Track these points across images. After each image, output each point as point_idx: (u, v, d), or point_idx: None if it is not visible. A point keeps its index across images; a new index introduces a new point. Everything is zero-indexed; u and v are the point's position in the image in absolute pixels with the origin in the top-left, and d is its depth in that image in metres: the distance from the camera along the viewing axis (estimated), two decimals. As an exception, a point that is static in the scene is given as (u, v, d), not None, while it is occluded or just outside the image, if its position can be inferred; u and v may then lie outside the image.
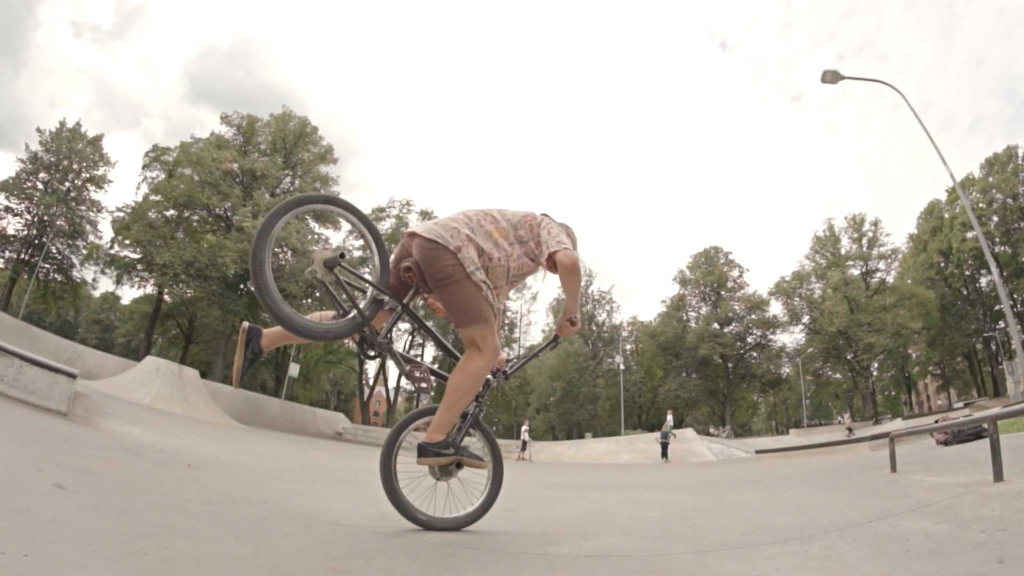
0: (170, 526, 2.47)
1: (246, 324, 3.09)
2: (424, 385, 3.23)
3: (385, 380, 64.71)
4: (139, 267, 49.64)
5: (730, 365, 64.67)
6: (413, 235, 3.18)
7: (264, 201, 49.09)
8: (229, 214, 49.78)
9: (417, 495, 3.24)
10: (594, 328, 70.61)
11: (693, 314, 68.88)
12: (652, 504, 5.21)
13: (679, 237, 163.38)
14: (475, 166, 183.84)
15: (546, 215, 3.63)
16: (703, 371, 64.85)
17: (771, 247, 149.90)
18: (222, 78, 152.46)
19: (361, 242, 3.49)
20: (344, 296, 3.06)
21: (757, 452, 21.82)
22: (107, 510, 2.56)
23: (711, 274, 67.38)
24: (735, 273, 68.28)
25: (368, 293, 3.18)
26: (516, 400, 66.73)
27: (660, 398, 65.18)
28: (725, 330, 65.06)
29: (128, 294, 60.92)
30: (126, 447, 5.75)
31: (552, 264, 3.40)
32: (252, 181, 50.73)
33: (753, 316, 65.53)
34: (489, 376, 3.48)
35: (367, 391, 63.65)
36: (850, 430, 46.49)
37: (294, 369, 45.81)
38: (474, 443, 3.49)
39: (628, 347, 69.36)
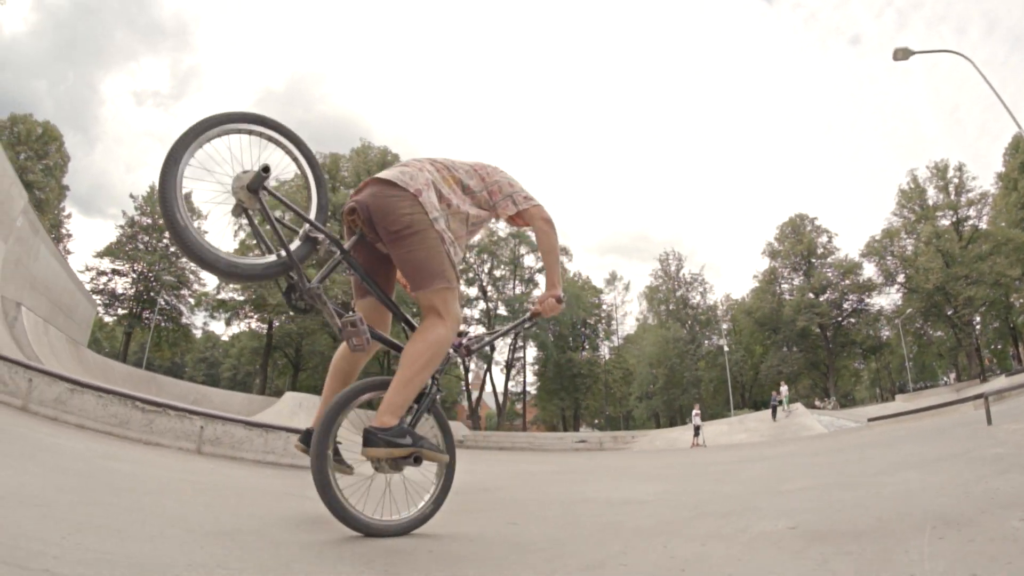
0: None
1: (297, 444, 2.99)
2: (356, 340, 2.79)
3: (493, 384, 67.50)
4: (247, 307, 54.29)
5: (829, 334, 63.29)
6: (371, 182, 2.94)
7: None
8: (330, 249, 52.89)
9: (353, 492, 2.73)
10: (690, 311, 70.89)
11: (786, 286, 67.70)
12: (812, 463, 7.15)
13: (761, 206, 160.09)
14: (538, 151, 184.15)
15: (497, 167, 3.43)
16: (802, 343, 63.88)
17: (855, 206, 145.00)
18: (283, 119, 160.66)
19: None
20: (268, 229, 2.72)
21: (869, 420, 22.65)
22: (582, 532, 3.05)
23: (800, 243, 66.04)
24: (823, 239, 66.71)
25: (302, 231, 2.83)
26: (620, 391, 68.38)
27: (762, 375, 64.69)
28: (820, 299, 63.66)
29: (226, 330, 66.57)
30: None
31: (516, 219, 3.28)
32: (344, 214, 53.94)
33: (847, 281, 63.88)
34: (450, 351, 3.12)
35: (475, 396, 66.67)
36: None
37: (408, 385, 48.93)
38: (425, 428, 3.01)
39: (724, 326, 69.28)
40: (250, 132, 2.78)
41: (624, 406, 71.55)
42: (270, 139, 2.84)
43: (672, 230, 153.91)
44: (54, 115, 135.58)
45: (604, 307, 73.58)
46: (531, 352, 68.91)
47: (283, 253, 2.65)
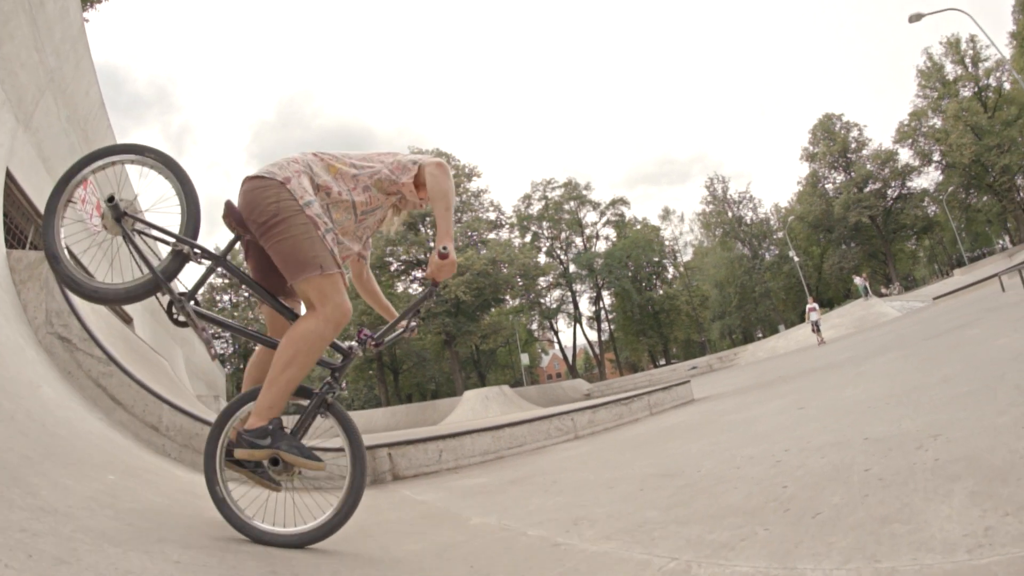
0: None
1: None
2: (210, 349, 2.70)
3: (587, 337, 74.00)
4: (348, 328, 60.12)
5: (879, 223, 65.17)
6: (242, 183, 2.82)
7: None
8: (420, 257, 58.63)
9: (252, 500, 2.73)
10: (745, 228, 74.95)
11: (830, 186, 69.32)
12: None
13: (783, 107, 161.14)
14: (538, 99, 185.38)
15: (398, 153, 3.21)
16: (857, 237, 66.04)
17: (877, 93, 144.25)
18: (284, 143, 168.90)
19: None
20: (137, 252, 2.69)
21: (934, 299, 26.05)
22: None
23: (834, 143, 67.78)
24: (855, 133, 68.39)
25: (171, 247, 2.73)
26: (701, 316, 73.90)
27: (825, 274, 67.86)
28: (865, 191, 65.29)
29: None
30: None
31: (420, 189, 3.05)
32: (420, 220, 59.16)
33: (886, 170, 65.30)
34: (352, 343, 2.97)
35: (568, 355, 73.10)
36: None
37: (525, 358, 55.05)
38: (320, 429, 2.81)
39: (779, 235, 71.59)
40: (122, 162, 2.87)
41: (706, 331, 75.76)
42: (143, 164, 2.86)
43: (695, 146, 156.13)
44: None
45: (666, 242, 78.08)
46: (608, 301, 74.87)
47: (148, 271, 2.67)
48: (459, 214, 61.83)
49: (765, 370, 16.48)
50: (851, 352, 11.96)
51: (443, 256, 2.82)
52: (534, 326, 73.59)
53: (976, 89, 60.43)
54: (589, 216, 75.00)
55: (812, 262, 71.44)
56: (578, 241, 74.70)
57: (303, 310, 2.96)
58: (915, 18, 26.13)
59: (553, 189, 73.50)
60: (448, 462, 6.14)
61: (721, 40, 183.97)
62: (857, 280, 37.57)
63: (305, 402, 2.76)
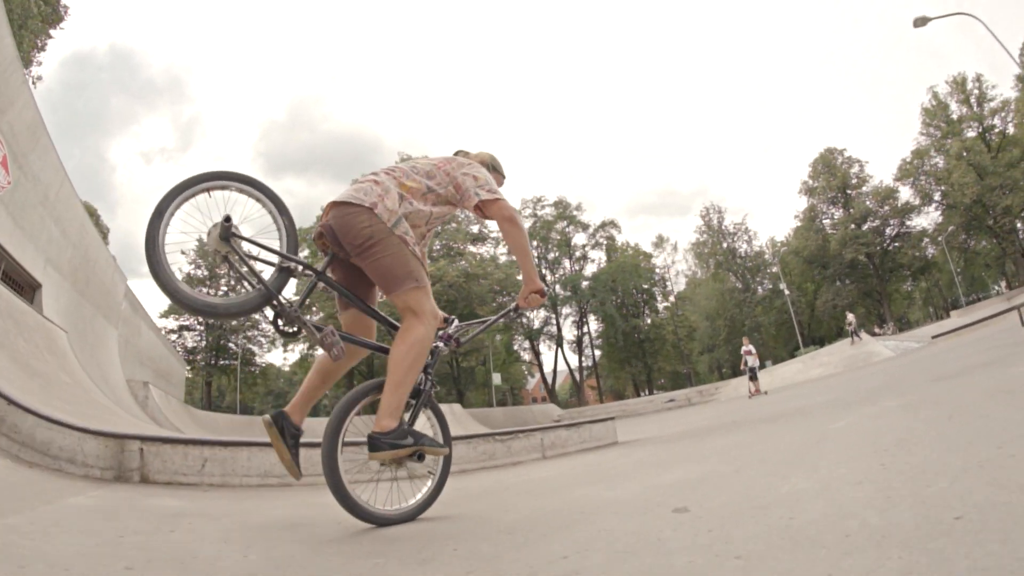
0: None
1: (267, 417, 2.96)
2: (335, 350, 2.87)
3: (567, 362, 71.22)
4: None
5: (876, 262, 64.44)
6: (331, 206, 3.03)
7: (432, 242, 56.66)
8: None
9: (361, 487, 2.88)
10: (739, 261, 73.83)
11: (827, 221, 68.62)
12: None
13: (786, 144, 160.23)
14: (545, 124, 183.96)
15: (463, 152, 3.58)
16: (853, 274, 65.21)
17: (881, 131, 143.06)
18: (291, 145, 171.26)
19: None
20: (246, 269, 2.88)
21: (933, 337, 24.56)
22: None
23: (834, 177, 66.90)
24: (855, 169, 67.63)
25: (277, 263, 2.96)
26: (687, 347, 71.79)
27: (818, 311, 66.61)
28: (863, 228, 64.56)
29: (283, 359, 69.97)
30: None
31: (479, 211, 3.27)
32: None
33: (886, 208, 64.63)
34: (439, 343, 3.31)
35: (550, 379, 70.65)
36: None
37: (497, 378, 52.80)
38: (422, 422, 3.22)
39: (774, 268, 70.62)
40: (214, 189, 2.96)
41: (691, 362, 74.14)
42: (240, 191, 3.02)
43: (697, 180, 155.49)
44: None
45: (657, 270, 76.36)
46: (594, 327, 72.58)
47: (261, 286, 2.85)
48: (444, 225, 59.86)
49: (727, 411, 14.36)
50: (831, 394, 9.45)
51: (542, 294, 3.40)
52: (515, 347, 71.48)
53: (981, 129, 59.34)
54: (578, 237, 73.63)
55: (805, 298, 70.32)
56: (567, 263, 73.30)
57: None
58: (920, 22, 24.25)
59: (543, 207, 72.13)
60: (213, 475, 5.19)
61: (728, 75, 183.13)
62: (849, 317, 35.79)
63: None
